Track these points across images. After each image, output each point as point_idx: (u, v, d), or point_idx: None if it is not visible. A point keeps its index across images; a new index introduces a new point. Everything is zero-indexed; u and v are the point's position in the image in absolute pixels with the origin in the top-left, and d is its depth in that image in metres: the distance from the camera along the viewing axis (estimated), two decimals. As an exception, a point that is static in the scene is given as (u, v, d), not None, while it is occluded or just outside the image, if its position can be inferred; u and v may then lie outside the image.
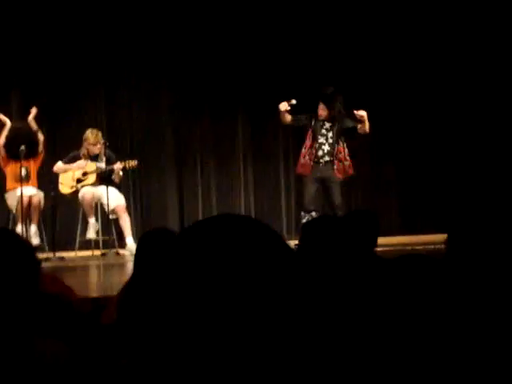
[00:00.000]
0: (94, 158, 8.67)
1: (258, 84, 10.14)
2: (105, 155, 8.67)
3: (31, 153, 8.52)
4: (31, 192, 8.41)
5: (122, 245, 8.62)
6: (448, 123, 10.28)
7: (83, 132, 8.74)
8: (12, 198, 8.47)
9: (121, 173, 8.60)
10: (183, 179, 10.28)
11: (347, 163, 7.87)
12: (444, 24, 10.09)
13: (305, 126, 7.99)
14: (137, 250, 2.88)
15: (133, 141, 10.12)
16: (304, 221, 7.49)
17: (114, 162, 8.58)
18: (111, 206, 8.47)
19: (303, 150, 7.94)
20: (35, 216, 8.42)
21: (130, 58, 9.98)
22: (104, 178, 8.56)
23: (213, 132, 10.27)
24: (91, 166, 8.63)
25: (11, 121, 9.29)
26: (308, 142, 7.91)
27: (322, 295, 1.74)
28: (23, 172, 8.37)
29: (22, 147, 8.30)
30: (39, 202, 8.47)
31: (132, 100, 10.16)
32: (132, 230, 8.64)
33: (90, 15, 9.68)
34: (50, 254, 8.20)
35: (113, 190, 8.56)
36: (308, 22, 10.04)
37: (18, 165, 8.38)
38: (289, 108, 7.83)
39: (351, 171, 7.98)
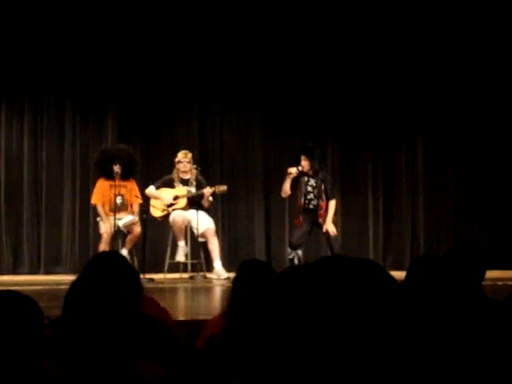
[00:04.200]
0: (185, 182, 8.81)
1: (347, 112, 10.16)
2: (196, 180, 8.81)
3: (128, 174, 8.71)
4: (131, 223, 8.56)
5: (210, 268, 8.71)
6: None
7: (175, 156, 8.92)
8: (107, 226, 8.55)
9: (210, 198, 8.71)
10: (271, 205, 10.33)
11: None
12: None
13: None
14: (236, 278, 2.93)
15: (223, 166, 10.26)
16: (290, 257, 8.39)
17: (205, 187, 8.70)
18: (201, 230, 8.59)
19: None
20: (131, 243, 8.59)
21: (223, 84, 10.14)
22: (194, 203, 8.69)
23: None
24: (182, 190, 8.78)
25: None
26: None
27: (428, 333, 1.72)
28: (118, 200, 8.53)
29: (117, 167, 8.48)
30: (139, 233, 8.63)
31: (223, 126, 10.32)
32: (220, 254, 8.73)
33: (183, 41, 9.91)
34: (140, 276, 8.30)
35: (203, 214, 8.67)
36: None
37: (113, 191, 8.56)
38: (295, 174, 8.34)
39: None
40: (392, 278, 1.27)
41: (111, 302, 2.14)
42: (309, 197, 8.42)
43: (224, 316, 2.98)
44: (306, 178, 8.45)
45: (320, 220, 8.38)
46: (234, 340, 2.41)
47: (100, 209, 8.66)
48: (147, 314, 2.77)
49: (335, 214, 8.61)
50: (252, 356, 2.05)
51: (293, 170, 8.43)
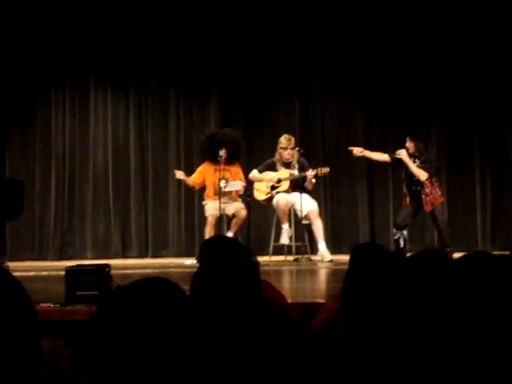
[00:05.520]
0: (288, 165, 8.82)
1: (452, 92, 9.93)
2: (298, 162, 8.81)
3: (233, 158, 8.80)
4: (235, 208, 8.67)
5: (315, 251, 8.72)
6: None
7: (277, 139, 8.94)
8: (211, 208, 8.71)
9: (313, 180, 8.70)
10: (374, 187, 10.22)
11: (430, 197, 8.18)
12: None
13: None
14: (350, 261, 2.91)
15: (325, 147, 10.22)
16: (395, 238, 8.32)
17: (307, 169, 8.69)
18: (304, 212, 8.59)
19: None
20: (237, 226, 8.69)
21: (324, 65, 10.10)
22: (297, 185, 8.70)
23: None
24: (285, 173, 8.80)
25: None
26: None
27: None
28: (222, 184, 8.63)
29: (223, 152, 8.61)
30: (245, 216, 8.72)
31: (324, 107, 10.27)
32: (324, 235, 8.72)
33: (283, 23, 9.92)
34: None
35: (306, 197, 8.67)
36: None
37: (218, 175, 8.64)
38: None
39: (440, 199, 8.31)
40: None
41: (235, 286, 2.16)
42: (415, 178, 8.30)
43: (340, 300, 2.97)
44: (412, 160, 8.35)
45: (425, 198, 8.21)
46: (357, 324, 2.39)
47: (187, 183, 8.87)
48: (265, 297, 2.79)
49: (425, 183, 8.14)
50: (377, 341, 2.03)
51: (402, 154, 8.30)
